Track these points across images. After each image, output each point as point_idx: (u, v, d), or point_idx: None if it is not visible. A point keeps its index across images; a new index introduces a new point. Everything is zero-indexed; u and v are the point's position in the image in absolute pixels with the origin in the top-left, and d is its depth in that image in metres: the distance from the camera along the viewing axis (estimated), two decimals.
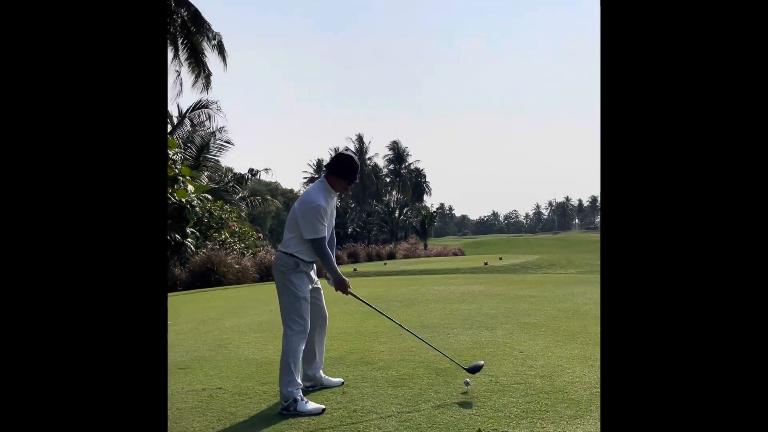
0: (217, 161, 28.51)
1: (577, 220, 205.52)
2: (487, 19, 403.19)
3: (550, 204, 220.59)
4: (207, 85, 24.60)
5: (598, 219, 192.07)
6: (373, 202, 61.98)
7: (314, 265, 4.19)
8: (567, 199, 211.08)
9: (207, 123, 25.25)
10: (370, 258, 33.37)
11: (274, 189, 65.42)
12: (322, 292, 4.27)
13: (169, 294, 11.72)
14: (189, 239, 16.13)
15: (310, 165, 71.75)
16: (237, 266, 16.52)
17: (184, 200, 15.47)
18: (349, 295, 4.23)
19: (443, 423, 3.36)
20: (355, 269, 21.29)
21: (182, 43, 24.17)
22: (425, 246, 43.41)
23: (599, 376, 4.14)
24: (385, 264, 26.68)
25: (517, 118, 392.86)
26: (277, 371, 4.56)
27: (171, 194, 14.89)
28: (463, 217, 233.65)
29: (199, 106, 25.07)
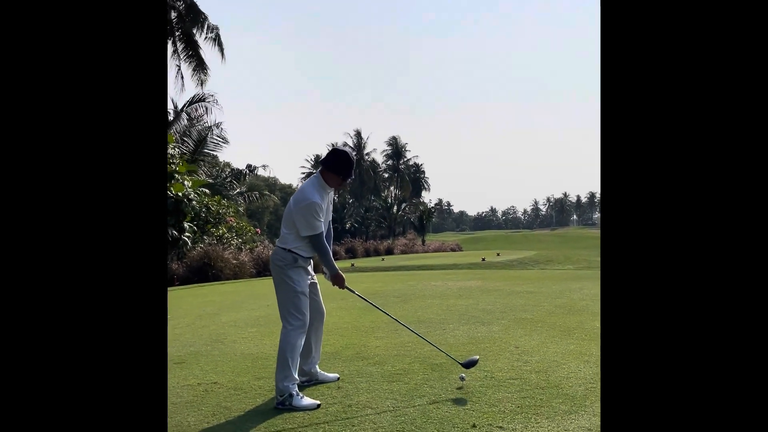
0: (215, 156, 28.48)
1: (575, 216, 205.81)
2: (487, 13, 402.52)
3: (548, 200, 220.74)
4: (203, 78, 24.49)
5: (596, 215, 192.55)
6: (372, 198, 62.00)
7: (311, 260, 4.18)
8: (565, 195, 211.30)
9: (205, 117, 25.13)
10: (367, 253, 33.39)
11: (272, 184, 65.32)
12: (318, 287, 4.27)
13: None
14: (186, 234, 16.11)
15: (308, 160, 71.73)
16: (234, 261, 16.51)
17: (180, 194, 15.45)
18: (346, 290, 4.23)
19: (438, 418, 3.36)
20: (352, 264, 21.31)
21: (179, 37, 24.07)
22: (423, 242, 43.45)
23: (594, 371, 4.16)
24: (383, 259, 26.71)
25: (516, 113, 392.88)
26: (272, 366, 4.56)
27: (168, 188, 14.87)
28: (462, 213, 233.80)
29: (196, 99, 24.93)
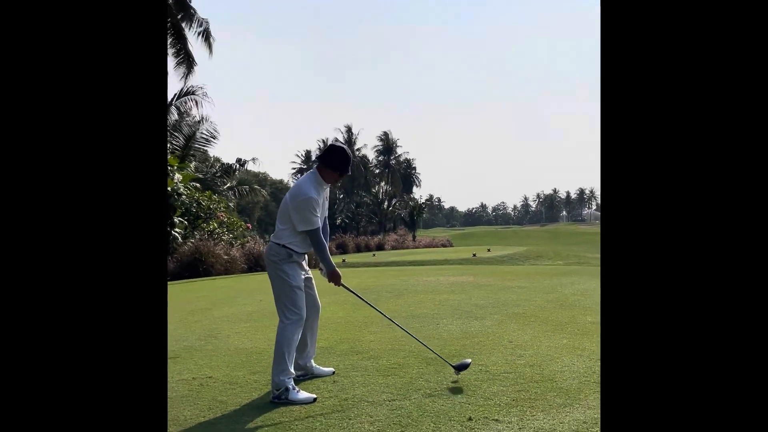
0: (205, 151, 28.29)
1: (564, 212, 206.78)
2: (479, 9, 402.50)
3: (538, 196, 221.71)
4: (189, 71, 24.24)
5: (585, 211, 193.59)
6: (362, 194, 61.93)
7: (306, 255, 4.19)
8: (555, 191, 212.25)
9: (194, 110, 24.89)
10: (359, 249, 33.39)
11: (262, 180, 65.12)
12: (314, 281, 4.27)
13: None
14: (176, 229, 16.03)
15: (298, 156, 71.61)
16: (225, 257, 16.46)
17: (170, 189, 15.35)
18: (341, 287, 4.23)
19: (434, 411, 3.38)
20: (344, 260, 21.29)
21: (168, 31, 23.85)
22: (414, 237, 43.46)
23: (588, 365, 4.20)
24: (374, 255, 26.71)
25: (507, 109, 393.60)
26: (267, 360, 4.57)
27: None
28: (452, 209, 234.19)
29: (185, 93, 24.70)
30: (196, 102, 24.48)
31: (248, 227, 23.01)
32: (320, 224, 4.01)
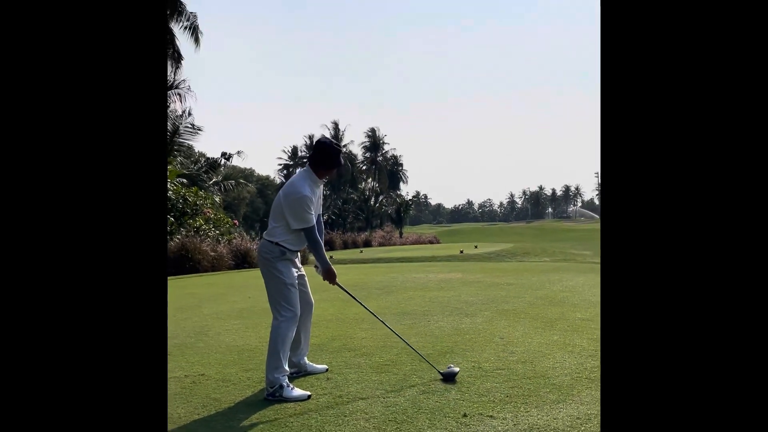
0: (190, 146, 28.05)
1: (550, 209, 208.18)
2: (465, 6, 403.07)
3: (524, 193, 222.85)
4: (176, 67, 24.02)
5: (571, 208, 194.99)
6: (349, 190, 61.87)
7: (299, 252, 4.18)
8: (540, 188, 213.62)
9: (177, 105, 24.66)
10: (345, 245, 33.38)
11: (249, 175, 64.78)
12: (306, 279, 4.27)
13: None
14: None
15: (285, 152, 71.31)
16: (212, 253, 16.35)
17: None
18: (336, 286, 4.23)
19: (429, 408, 3.40)
20: (331, 257, 21.26)
21: None
22: (401, 234, 43.55)
23: (579, 361, 4.24)
24: (361, 252, 26.72)
25: (493, 107, 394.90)
26: (260, 358, 4.56)
27: None
28: (439, 206, 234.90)
29: (169, 87, 24.44)
30: (180, 96, 24.26)
31: (235, 224, 22.88)
32: (314, 222, 4.01)
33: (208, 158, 31.78)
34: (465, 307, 6.95)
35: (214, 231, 19.37)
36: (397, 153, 73.17)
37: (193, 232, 17.75)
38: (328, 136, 65.73)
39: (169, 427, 3.32)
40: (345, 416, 3.35)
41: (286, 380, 3.80)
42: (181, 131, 24.94)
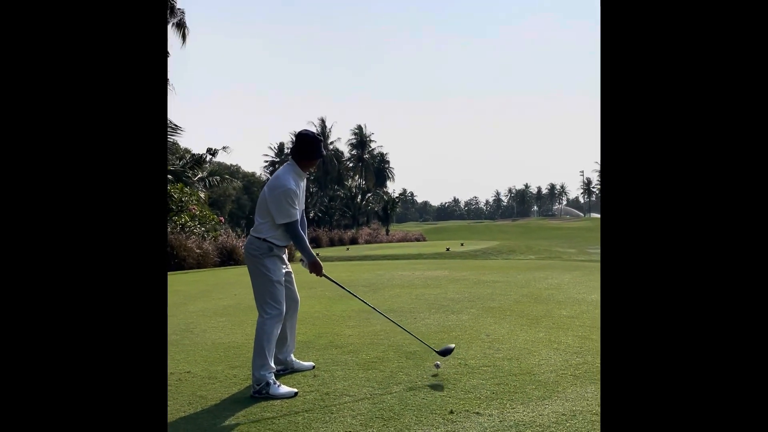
0: (174, 141, 27.78)
1: (535, 208, 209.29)
2: (451, 4, 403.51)
3: (510, 191, 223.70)
4: None
5: (556, 206, 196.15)
6: (336, 187, 61.76)
7: (286, 249, 4.17)
8: (526, 186, 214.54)
9: None
10: (332, 243, 33.35)
11: (235, 172, 64.37)
12: (293, 275, 4.26)
13: None
14: None
15: (271, 148, 70.96)
16: (198, 250, 16.26)
17: None
18: (323, 277, 4.23)
19: (416, 405, 3.41)
20: (318, 254, 21.21)
21: None
22: (387, 231, 43.58)
23: (564, 358, 4.28)
24: (348, 249, 26.71)
25: (479, 106, 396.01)
26: (246, 355, 4.55)
27: None
28: (425, 203, 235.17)
29: None
30: None
31: (221, 221, 22.74)
32: (298, 216, 4.00)
33: (194, 154, 31.50)
34: (451, 304, 6.98)
35: (199, 228, 19.24)
36: (383, 150, 73.29)
37: (178, 229, 17.62)
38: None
39: None
40: (332, 413, 3.35)
41: (273, 377, 3.79)
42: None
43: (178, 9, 23.62)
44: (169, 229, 17.30)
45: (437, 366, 4.08)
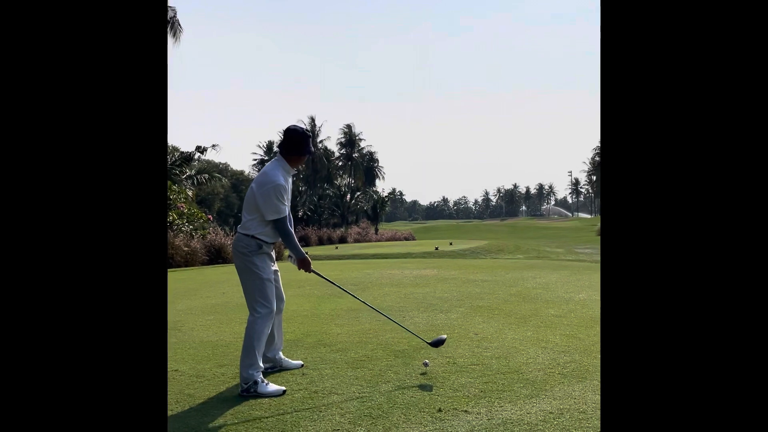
0: None
1: (524, 207, 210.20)
2: (443, 3, 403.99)
3: (499, 191, 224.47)
4: None
5: (544, 206, 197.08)
6: (325, 186, 61.64)
7: (274, 246, 4.15)
8: (515, 186, 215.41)
9: None
10: (321, 242, 33.28)
11: (223, 170, 64.00)
12: (279, 273, 4.24)
13: None
14: None
15: (260, 147, 70.62)
16: (186, 249, 16.16)
17: None
18: (312, 273, 4.23)
19: (404, 403, 3.42)
20: (306, 252, 21.18)
21: None
22: (376, 230, 43.56)
23: (552, 357, 4.31)
24: (337, 248, 26.67)
25: (469, 105, 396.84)
26: (234, 353, 4.53)
27: None
28: (414, 203, 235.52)
29: None
30: None
31: (209, 219, 22.62)
32: (287, 212, 3.98)
33: (183, 152, 31.29)
34: (440, 303, 6.99)
35: (187, 226, 19.13)
36: (373, 150, 73.28)
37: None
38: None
39: None
40: (320, 411, 3.35)
41: (261, 376, 3.78)
42: None
43: (171, 7, 23.49)
44: None
45: (426, 364, 4.09)
